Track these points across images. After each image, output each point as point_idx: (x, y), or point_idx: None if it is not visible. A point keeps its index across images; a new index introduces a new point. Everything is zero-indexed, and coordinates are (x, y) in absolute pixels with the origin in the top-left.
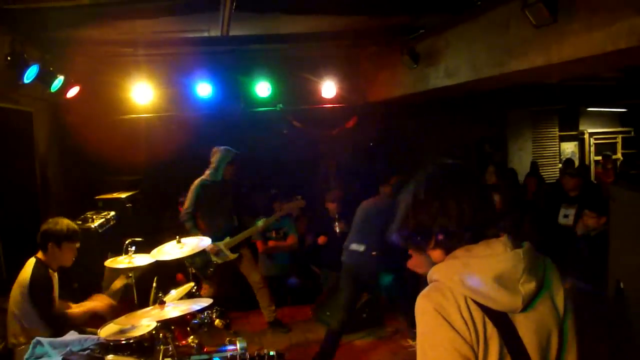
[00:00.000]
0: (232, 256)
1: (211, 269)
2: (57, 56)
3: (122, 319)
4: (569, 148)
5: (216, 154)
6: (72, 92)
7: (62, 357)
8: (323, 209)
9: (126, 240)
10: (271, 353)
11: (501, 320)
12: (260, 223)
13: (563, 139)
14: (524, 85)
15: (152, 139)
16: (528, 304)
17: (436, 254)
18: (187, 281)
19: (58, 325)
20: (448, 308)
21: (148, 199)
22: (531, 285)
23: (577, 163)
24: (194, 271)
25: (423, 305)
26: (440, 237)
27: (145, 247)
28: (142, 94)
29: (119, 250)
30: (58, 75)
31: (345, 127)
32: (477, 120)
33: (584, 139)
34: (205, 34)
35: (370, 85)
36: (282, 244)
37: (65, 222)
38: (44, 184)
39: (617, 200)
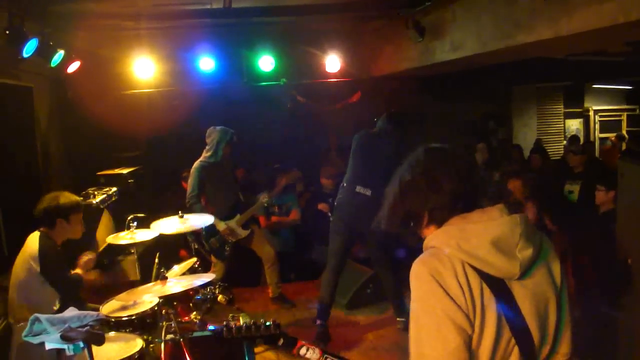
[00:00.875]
0: (245, 233)
1: (228, 249)
2: (57, 30)
3: (123, 295)
4: (574, 125)
5: (213, 134)
6: (73, 67)
7: (60, 333)
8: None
9: (128, 216)
10: (267, 323)
11: (499, 287)
12: (264, 198)
13: (568, 115)
14: (529, 60)
15: (155, 114)
16: (525, 271)
17: (431, 230)
18: (190, 257)
19: (75, 291)
20: (444, 273)
21: (150, 174)
22: (528, 252)
23: (582, 140)
24: (196, 247)
25: (418, 270)
26: (432, 213)
27: (148, 223)
28: (144, 68)
29: (121, 226)
30: (58, 50)
31: (349, 102)
32: (481, 96)
33: (589, 116)
34: (208, 6)
35: (375, 59)
36: (285, 219)
37: (66, 195)
38: (45, 160)
39: (626, 176)
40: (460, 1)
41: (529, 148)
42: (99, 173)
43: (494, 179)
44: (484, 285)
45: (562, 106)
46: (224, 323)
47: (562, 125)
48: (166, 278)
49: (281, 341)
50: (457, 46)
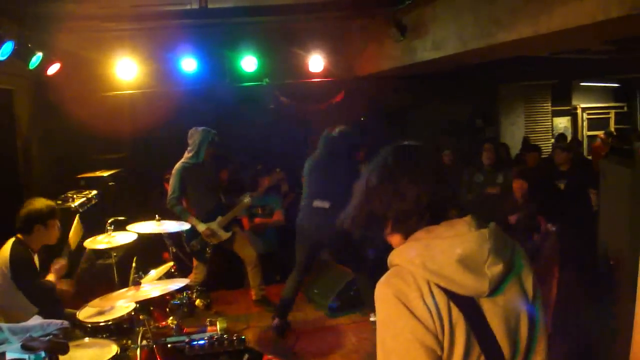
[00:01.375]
0: (226, 235)
1: (209, 251)
2: (35, 32)
3: (97, 300)
4: (562, 123)
5: (195, 136)
6: (53, 69)
7: (21, 343)
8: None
9: (108, 220)
10: (232, 339)
11: (467, 305)
12: (246, 199)
13: (556, 113)
14: (516, 58)
15: (137, 116)
16: (496, 288)
17: (395, 239)
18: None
19: (46, 299)
20: (409, 294)
21: (133, 176)
22: (498, 268)
23: (570, 138)
24: (174, 250)
25: (383, 292)
26: (397, 220)
27: (127, 226)
28: (125, 70)
29: (101, 230)
30: (36, 52)
31: (333, 102)
32: (468, 94)
33: (576, 113)
34: (188, 6)
35: (358, 58)
36: (269, 220)
37: (42, 201)
38: (26, 163)
39: (607, 176)
40: None
41: (516, 147)
42: (79, 176)
43: (497, 181)
44: (452, 304)
45: (549, 104)
46: (186, 340)
47: (550, 123)
48: (139, 283)
49: (246, 357)
50: (438, 45)
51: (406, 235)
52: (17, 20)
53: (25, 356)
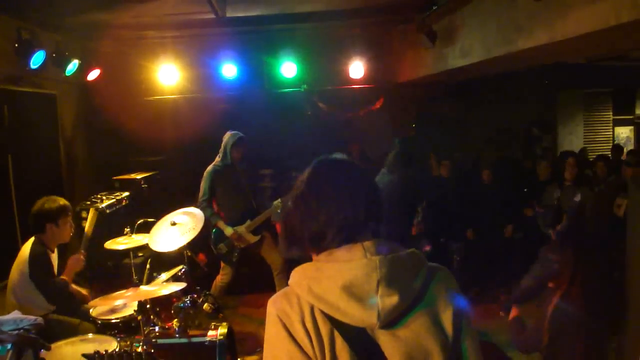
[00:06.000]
0: (254, 239)
1: (236, 254)
2: (73, 40)
3: (98, 300)
4: (624, 133)
5: (224, 139)
6: (93, 75)
7: None
8: None
9: (138, 221)
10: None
11: (355, 336)
12: (278, 204)
13: (617, 123)
14: (576, 64)
15: (177, 120)
16: (394, 321)
17: (314, 258)
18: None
19: (61, 298)
20: (291, 316)
21: (171, 179)
22: (392, 300)
23: (633, 147)
24: (189, 254)
25: (269, 310)
26: (310, 241)
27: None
28: (167, 75)
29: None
30: (73, 59)
31: (372, 109)
32: (524, 101)
33: None
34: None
35: (398, 65)
36: None
37: (52, 199)
38: (70, 166)
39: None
40: (469, 5)
41: None
42: (114, 177)
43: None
44: (336, 334)
45: (611, 112)
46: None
47: (611, 132)
48: (138, 285)
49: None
50: (466, 52)
51: (318, 254)
52: (53, 30)
53: None
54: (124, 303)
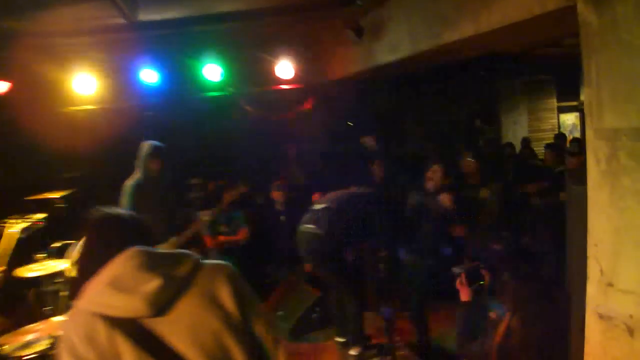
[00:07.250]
0: None
1: None
2: None
3: (7, 337)
4: (570, 120)
5: (140, 150)
6: (1, 87)
7: None
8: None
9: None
10: None
11: (131, 329)
12: (205, 217)
13: (562, 110)
14: (515, 54)
15: (96, 132)
16: (166, 307)
17: None
18: None
19: None
20: (72, 331)
21: (90, 197)
22: (153, 284)
23: (579, 135)
24: None
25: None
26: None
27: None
28: (83, 84)
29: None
30: None
31: (302, 109)
32: (465, 93)
33: None
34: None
35: (328, 63)
36: (232, 238)
37: None
38: None
39: (569, 198)
40: None
41: (520, 147)
42: (26, 198)
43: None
44: (116, 332)
45: (555, 100)
46: None
47: (557, 120)
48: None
49: None
50: (394, 47)
51: None
52: None
53: None
54: (36, 337)
